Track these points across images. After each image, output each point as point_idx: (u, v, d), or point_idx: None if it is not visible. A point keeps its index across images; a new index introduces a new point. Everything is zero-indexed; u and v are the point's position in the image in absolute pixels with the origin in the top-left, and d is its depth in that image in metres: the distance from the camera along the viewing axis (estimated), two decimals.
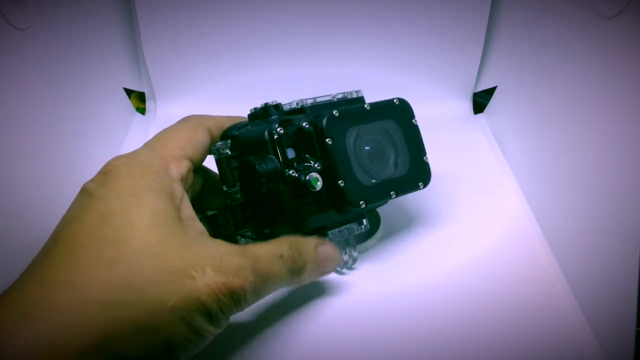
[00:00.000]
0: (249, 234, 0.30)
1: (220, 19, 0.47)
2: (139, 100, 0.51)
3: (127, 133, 0.47)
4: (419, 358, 0.28)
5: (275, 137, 0.27)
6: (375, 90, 0.34)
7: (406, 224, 0.37)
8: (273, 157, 0.27)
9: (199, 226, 0.25)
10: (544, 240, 0.36)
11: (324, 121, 0.27)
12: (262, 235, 0.29)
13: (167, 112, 0.49)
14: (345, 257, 0.32)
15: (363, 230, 0.31)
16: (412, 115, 0.32)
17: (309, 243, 0.27)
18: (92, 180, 0.24)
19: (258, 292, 0.24)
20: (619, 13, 0.30)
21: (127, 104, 0.49)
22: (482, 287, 0.32)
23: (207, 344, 0.22)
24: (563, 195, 0.35)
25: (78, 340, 0.18)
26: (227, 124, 0.30)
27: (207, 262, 0.22)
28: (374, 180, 0.29)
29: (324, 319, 0.30)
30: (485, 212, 0.38)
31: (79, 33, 0.40)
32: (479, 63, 0.49)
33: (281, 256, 0.25)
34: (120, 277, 0.20)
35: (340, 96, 0.31)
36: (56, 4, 0.36)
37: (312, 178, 0.26)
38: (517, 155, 0.43)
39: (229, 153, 0.29)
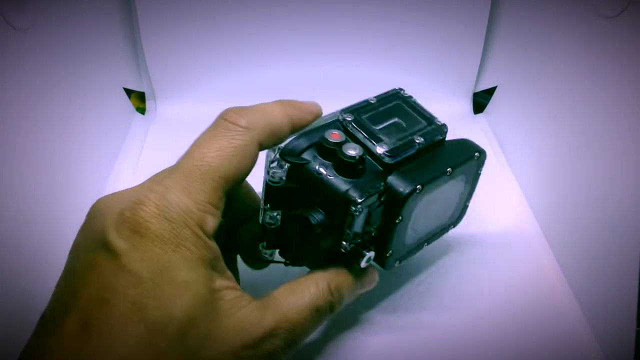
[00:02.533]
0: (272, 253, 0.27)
1: (221, 19, 0.47)
2: (139, 99, 0.51)
3: (127, 133, 0.47)
4: (419, 355, 0.28)
5: (357, 213, 0.23)
6: (375, 90, 0.34)
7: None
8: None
9: (230, 292, 0.22)
10: (544, 240, 0.36)
11: (406, 201, 0.23)
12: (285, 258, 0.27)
13: (167, 111, 0.49)
14: None
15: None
16: (482, 166, 0.28)
17: (350, 280, 0.25)
18: (119, 236, 0.20)
19: (295, 348, 0.23)
20: (620, 13, 0.30)
21: (127, 104, 0.49)
22: (481, 287, 0.32)
23: None
24: (563, 196, 0.35)
25: None
26: (285, 126, 0.25)
27: (246, 353, 0.21)
28: (419, 238, 0.27)
29: None
30: (484, 212, 0.38)
31: (79, 33, 0.40)
32: (479, 63, 0.49)
33: (317, 310, 0.24)
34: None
35: (391, 103, 0.28)
36: (56, 4, 0.36)
37: (365, 259, 0.24)
38: (517, 155, 0.43)
39: (283, 182, 0.24)
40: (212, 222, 0.22)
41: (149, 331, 0.19)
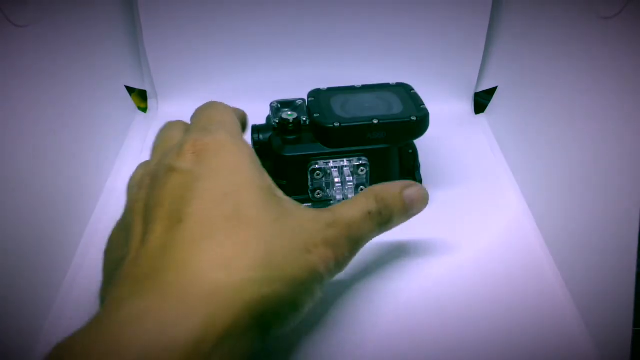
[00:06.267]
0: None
1: (223, 18, 0.47)
2: (140, 98, 0.51)
3: (128, 132, 0.47)
4: (418, 355, 0.28)
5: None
6: None
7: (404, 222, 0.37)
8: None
9: (283, 195, 0.25)
10: (543, 240, 0.36)
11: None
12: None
13: (168, 110, 0.50)
14: None
15: (359, 166, 0.33)
16: (411, 88, 0.36)
17: (394, 189, 0.28)
18: (182, 158, 0.23)
19: (354, 253, 0.25)
20: (618, 13, 0.30)
21: (129, 102, 0.49)
22: (479, 286, 0.32)
23: None
24: (562, 196, 0.35)
25: (243, 319, 0.19)
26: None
27: (317, 236, 0.23)
28: (356, 114, 0.33)
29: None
30: (484, 212, 0.38)
31: (81, 31, 0.40)
32: (480, 63, 0.49)
33: (369, 213, 0.26)
34: (261, 256, 0.21)
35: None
36: (57, 1, 0.36)
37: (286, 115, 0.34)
38: (517, 155, 0.43)
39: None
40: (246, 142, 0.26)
41: (237, 217, 0.21)
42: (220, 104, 0.29)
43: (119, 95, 0.47)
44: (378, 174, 0.34)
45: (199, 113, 0.28)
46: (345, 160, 0.33)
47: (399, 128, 0.33)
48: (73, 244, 0.35)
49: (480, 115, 0.50)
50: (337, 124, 0.32)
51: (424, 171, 0.39)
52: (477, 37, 0.47)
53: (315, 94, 0.36)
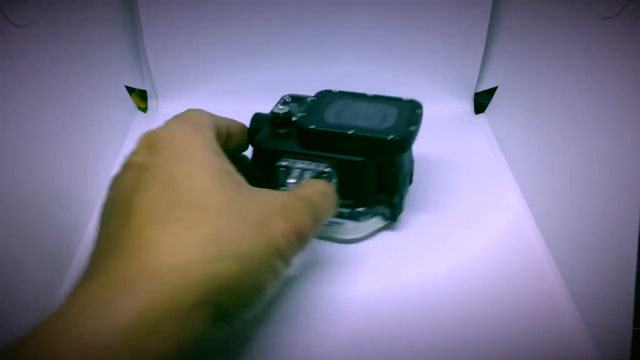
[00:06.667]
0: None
1: (223, 17, 0.47)
2: (140, 98, 0.51)
3: (128, 132, 0.47)
4: (416, 354, 0.28)
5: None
6: (376, 90, 0.35)
7: (404, 222, 0.37)
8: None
9: (243, 179, 0.26)
10: (542, 240, 0.36)
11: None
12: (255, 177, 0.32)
13: (168, 110, 0.50)
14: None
15: (325, 172, 0.33)
16: (419, 107, 0.34)
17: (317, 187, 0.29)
18: (136, 153, 0.24)
19: (315, 228, 0.26)
20: (618, 13, 0.30)
21: (129, 102, 0.49)
22: (479, 286, 0.32)
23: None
24: (562, 196, 0.35)
25: (185, 299, 0.19)
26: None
27: (275, 212, 0.23)
28: (342, 121, 0.32)
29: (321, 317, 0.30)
30: (484, 212, 0.38)
31: (81, 31, 0.40)
32: (481, 63, 0.49)
33: (325, 193, 0.27)
34: (209, 236, 0.21)
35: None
36: (57, 1, 0.36)
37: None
38: (517, 155, 0.43)
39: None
40: (207, 130, 0.26)
41: (188, 201, 0.22)
42: (199, 110, 0.29)
43: (119, 95, 0.47)
44: (348, 186, 0.32)
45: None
46: (313, 164, 0.32)
47: (374, 144, 0.31)
48: (73, 244, 0.35)
49: (480, 115, 0.50)
50: (312, 126, 0.32)
51: (424, 170, 0.39)
52: (477, 37, 0.47)
53: (322, 94, 0.36)
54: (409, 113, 0.34)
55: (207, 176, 0.23)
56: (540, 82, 0.40)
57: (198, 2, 0.46)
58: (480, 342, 0.29)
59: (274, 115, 0.34)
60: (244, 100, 0.38)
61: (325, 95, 0.36)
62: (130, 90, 0.49)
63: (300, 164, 0.32)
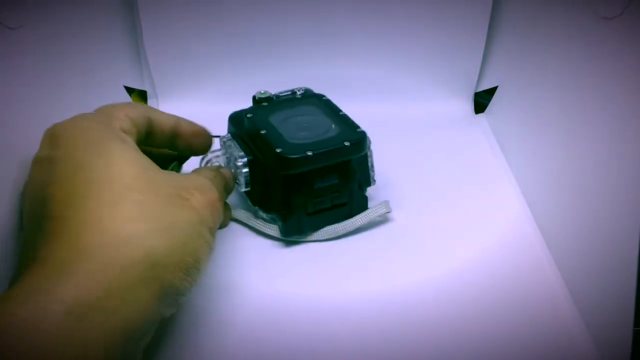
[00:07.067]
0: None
1: (223, 18, 0.47)
2: (140, 98, 0.51)
3: None
4: (415, 354, 0.28)
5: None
6: (376, 90, 0.35)
7: (404, 222, 0.37)
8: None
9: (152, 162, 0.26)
10: (542, 240, 0.36)
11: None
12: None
13: (169, 110, 0.49)
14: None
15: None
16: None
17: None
18: (40, 149, 0.24)
19: (226, 197, 0.30)
20: (620, 14, 0.30)
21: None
22: (479, 286, 0.32)
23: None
24: (562, 196, 0.35)
25: (125, 276, 0.20)
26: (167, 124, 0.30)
27: (190, 186, 0.24)
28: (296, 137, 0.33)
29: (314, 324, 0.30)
30: (484, 212, 0.38)
31: (80, 31, 0.40)
32: (481, 63, 0.49)
33: (221, 175, 0.29)
34: (134, 212, 0.21)
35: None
36: (57, 2, 0.36)
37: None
38: (517, 155, 0.43)
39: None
40: (117, 122, 0.26)
41: (104, 182, 0.22)
42: (125, 102, 0.30)
43: (119, 96, 0.47)
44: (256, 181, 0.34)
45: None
46: (242, 152, 0.34)
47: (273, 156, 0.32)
48: None
49: (480, 115, 0.50)
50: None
51: (424, 170, 0.39)
52: (478, 37, 0.47)
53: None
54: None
55: (114, 156, 0.23)
56: (540, 82, 0.40)
57: (198, 2, 0.46)
58: (480, 342, 0.29)
59: (259, 97, 0.37)
60: (244, 100, 0.38)
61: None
62: (130, 90, 0.49)
63: (233, 147, 0.34)
